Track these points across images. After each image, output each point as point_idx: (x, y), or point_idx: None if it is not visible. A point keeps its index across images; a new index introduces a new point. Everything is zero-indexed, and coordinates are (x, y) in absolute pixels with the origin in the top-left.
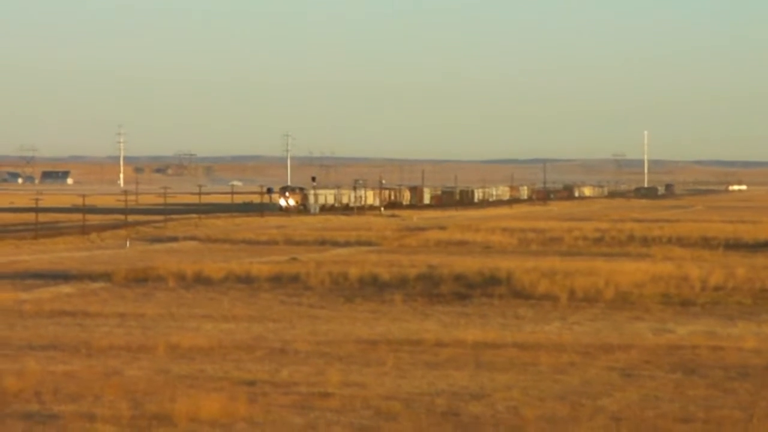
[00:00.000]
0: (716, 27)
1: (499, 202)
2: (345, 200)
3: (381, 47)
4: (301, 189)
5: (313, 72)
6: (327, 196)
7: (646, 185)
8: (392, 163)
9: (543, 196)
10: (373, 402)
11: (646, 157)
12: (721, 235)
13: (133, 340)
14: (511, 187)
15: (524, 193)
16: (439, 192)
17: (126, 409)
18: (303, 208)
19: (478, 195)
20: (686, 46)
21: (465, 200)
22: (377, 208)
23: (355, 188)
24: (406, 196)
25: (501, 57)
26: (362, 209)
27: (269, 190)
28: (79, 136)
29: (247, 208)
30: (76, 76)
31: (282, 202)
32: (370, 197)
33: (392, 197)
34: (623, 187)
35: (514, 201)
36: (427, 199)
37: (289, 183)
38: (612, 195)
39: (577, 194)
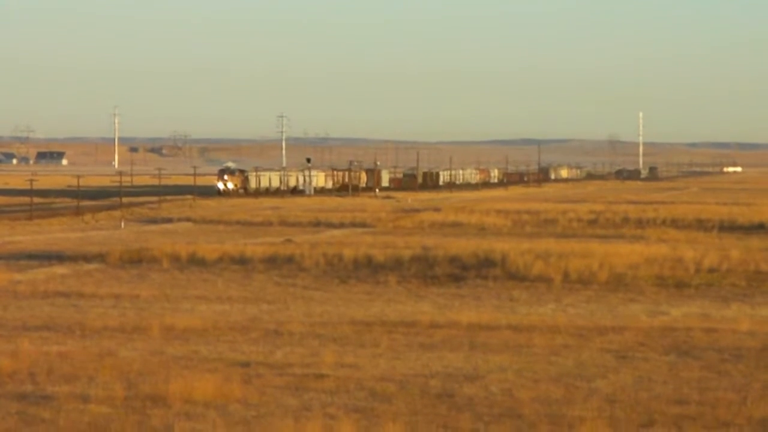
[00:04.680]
0: (711, 9)
1: (466, 186)
2: (293, 183)
3: (378, 31)
4: (242, 171)
5: (309, 54)
6: (272, 178)
7: (641, 167)
8: (388, 144)
9: (516, 179)
10: (368, 383)
11: (641, 139)
12: (716, 217)
13: (127, 321)
14: (481, 170)
15: (495, 175)
16: (399, 175)
17: (120, 390)
18: (243, 192)
19: (444, 178)
20: (681, 29)
21: (429, 183)
22: (329, 191)
23: (303, 170)
24: (363, 179)
25: (500, 40)
26: (356, 190)
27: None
28: (74, 117)
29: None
30: (72, 57)
31: (220, 185)
32: (321, 179)
33: (346, 179)
34: (604, 169)
35: (482, 184)
36: (385, 182)
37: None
38: (590, 177)
39: (553, 176)
